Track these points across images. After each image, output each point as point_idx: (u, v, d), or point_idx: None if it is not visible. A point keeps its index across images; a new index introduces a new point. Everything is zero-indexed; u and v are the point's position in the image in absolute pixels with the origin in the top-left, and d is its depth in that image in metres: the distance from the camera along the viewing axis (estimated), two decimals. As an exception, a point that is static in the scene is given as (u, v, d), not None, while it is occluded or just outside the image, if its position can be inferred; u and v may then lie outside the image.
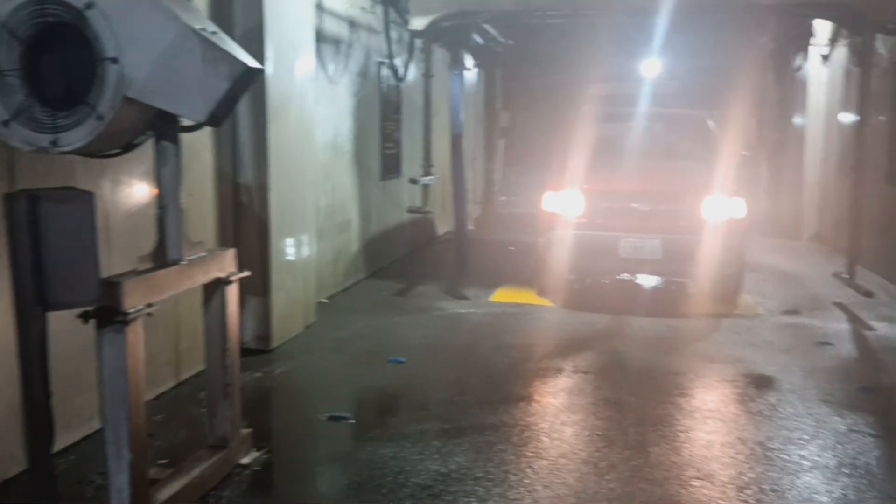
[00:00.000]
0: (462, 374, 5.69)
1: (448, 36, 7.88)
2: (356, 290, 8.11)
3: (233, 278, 3.84)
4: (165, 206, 3.41)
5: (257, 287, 5.93)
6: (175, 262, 3.43)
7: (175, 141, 3.39)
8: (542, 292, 8.00)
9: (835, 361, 6.08)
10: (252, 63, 3.15)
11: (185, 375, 5.27)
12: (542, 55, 15.24)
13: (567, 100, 12.86)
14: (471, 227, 13.68)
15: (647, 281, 8.39)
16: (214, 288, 3.83)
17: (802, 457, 4.27)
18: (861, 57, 8.84)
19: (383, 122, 9.46)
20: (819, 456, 4.29)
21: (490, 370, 5.80)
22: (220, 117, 3.21)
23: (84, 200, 2.86)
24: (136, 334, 3.13)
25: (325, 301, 7.45)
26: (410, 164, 10.39)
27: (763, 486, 3.92)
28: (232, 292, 3.87)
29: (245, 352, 5.76)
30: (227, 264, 3.84)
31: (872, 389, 5.44)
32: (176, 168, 3.42)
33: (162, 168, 3.39)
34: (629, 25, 12.29)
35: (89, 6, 2.96)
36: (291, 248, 6.28)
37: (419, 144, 10.64)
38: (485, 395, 5.22)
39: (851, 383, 5.53)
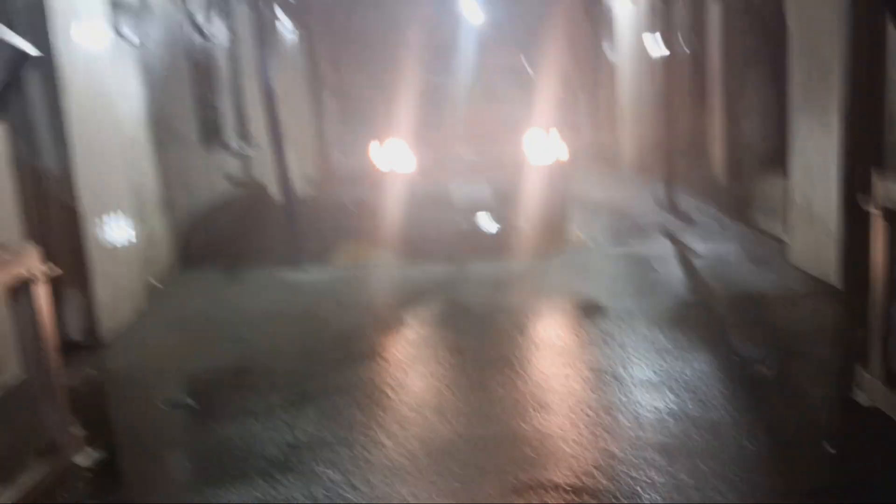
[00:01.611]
0: (305, 341, 5.65)
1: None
2: (189, 270, 7.81)
3: (39, 276, 3.60)
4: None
5: (76, 279, 5.60)
6: (-33, 267, 3.17)
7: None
8: (380, 248, 8.01)
9: (658, 283, 6.49)
10: (29, 49, 2.91)
11: (4, 378, 4.92)
12: (360, 7, 15.09)
13: (389, 51, 12.78)
14: (307, 188, 13.54)
15: (483, 226, 8.57)
16: (18, 289, 3.58)
17: (631, 377, 4.55)
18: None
19: (197, 88, 9.06)
20: (644, 374, 4.57)
21: (333, 333, 5.78)
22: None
23: None
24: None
25: (157, 284, 7.14)
26: (237, 133, 10.06)
27: (593, 406, 4.15)
28: (40, 291, 3.63)
29: (74, 347, 5.52)
30: (31, 262, 3.59)
31: (692, 305, 5.86)
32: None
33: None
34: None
35: None
36: (109, 234, 5.96)
37: (244, 112, 10.29)
38: (329, 359, 5.21)
39: (674, 302, 5.92)
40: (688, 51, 9.19)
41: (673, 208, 8.80)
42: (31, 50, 2.94)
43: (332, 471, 3.64)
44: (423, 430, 4.04)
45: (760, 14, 6.46)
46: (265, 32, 7.90)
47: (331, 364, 5.11)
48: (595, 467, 3.52)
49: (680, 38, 8.99)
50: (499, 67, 9.72)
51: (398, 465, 3.66)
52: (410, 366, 5.04)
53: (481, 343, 5.34)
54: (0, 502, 3.29)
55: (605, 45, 13.85)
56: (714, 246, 7.46)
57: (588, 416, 4.06)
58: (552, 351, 5.17)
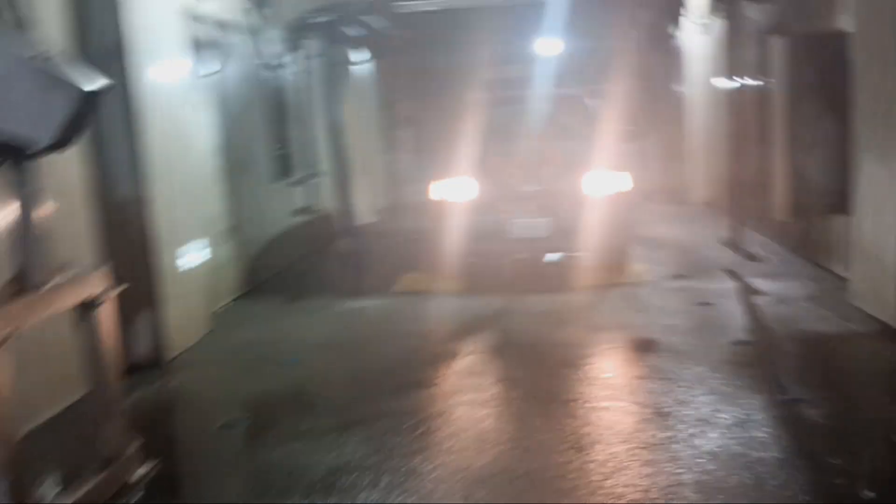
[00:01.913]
0: (356, 368, 5.80)
1: (321, 30, 7.93)
2: (252, 296, 8.09)
3: (104, 298, 3.84)
4: (25, 231, 3.39)
5: (146, 302, 5.92)
6: (37, 288, 3.42)
7: (29, 165, 3.37)
8: (440, 279, 8.15)
9: (715, 320, 6.43)
10: (92, 86, 3.16)
11: (79, 395, 5.20)
12: (435, 42, 15.41)
13: (459, 85, 13.02)
14: (376, 218, 13.85)
15: (544, 258, 8.62)
16: (87, 309, 3.82)
17: (678, 414, 4.53)
18: (731, 25, 9.19)
19: (270, 123, 9.44)
20: (691, 412, 4.55)
21: (384, 361, 5.92)
22: (67, 140, 3.23)
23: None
24: (1, 364, 3.12)
25: (221, 309, 7.43)
26: (304, 164, 10.40)
27: (636, 443, 4.15)
28: (105, 311, 3.87)
29: (139, 367, 5.81)
30: (97, 284, 3.83)
31: (748, 343, 5.79)
32: (33, 191, 3.40)
33: (19, 193, 3.37)
34: (514, 8, 12.59)
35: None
36: (179, 259, 6.26)
37: (312, 143, 10.62)
38: (378, 386, 5.35)
39: (729, 340, 5.86)
40: (753, 85, 9.12)
41: (736, 245, 8.67)
42: (94, 85, 3.18)
43: (370, 495, 3.75)
44: (462, 460, 4.11)
45: (825, 48, 6.40)
46: (333, 66, 8.20)
47: (380, 391, 5.24)
48: None
49: (746, 73, 8.92)
50: (566, 101, 9.82)
51: (434, 494, 3.74)
52: (458, 396, 5.12)
53: (531, 376, 5.38)
54: (59, 509, 3.49)
55: (677, 80, 13.79)
56: (775, 283, 7.34)
57: (629, 452, 4.07)
58: (601, 386, 5.18)
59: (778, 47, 6.60)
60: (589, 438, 4.28)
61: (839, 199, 6.41)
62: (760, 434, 4.18)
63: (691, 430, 4.27)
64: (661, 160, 15.38)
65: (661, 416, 4.53)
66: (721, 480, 3.70)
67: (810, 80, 6.40)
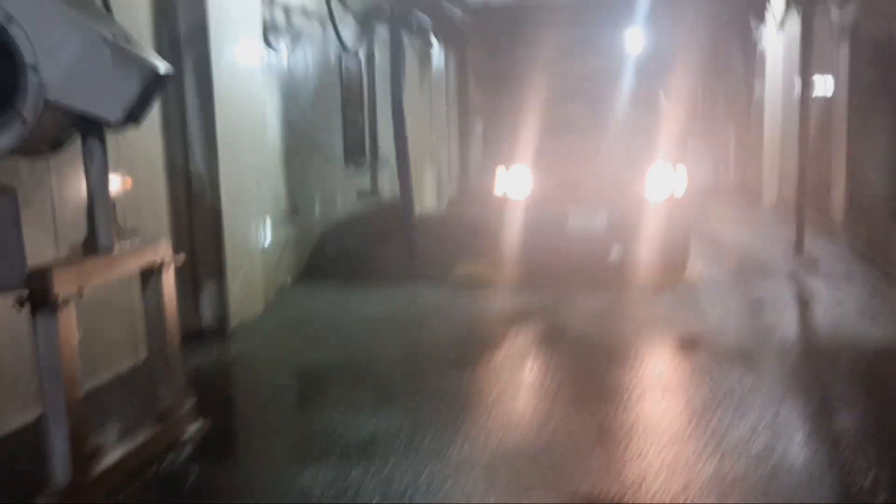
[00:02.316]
0: (406, 346, 6.05)
1: (392, 19, 8.16)
2: (315, 274, 8.40)
3: (167, 263, 4.15)
4: (94, 199, 3.70)
5: (213, 272, 6.27)
6: (106, 250, 3.73)
7: (100, 138, 3.67)
8: (497, 267, 8.31)
9: (768, 326, 6.39)
10: (163, 69, 3.44)
11: (143, 356, 5.58)
12: (508, 35, 15.52)
13: (531, 77, 13.09)
14: (443, 205, 14.09)
15: (604, 255, 8.69)
16: (150, 273, 4.14)
17: (720, 419, 4.59)
18: (805, 25, 9.04)
19: (345, 107, 9.74)
20: (733, 417, 4.60)
21: (434, 342, 6.15)
22: (137, 116, 3.53)
23: (6, 196, 3.16)
24: (67, 317, 3.44)
25: (288, 283, 7.77)
26: (381, 148, 10.66)
27: (668, 439, 4.25)
28: (168, 276, 4.18)
29: (203, 333, 6.19)
30: (161, 250, 4.14)
31: (794, 344, 5.79)
32: (103, 163, 3.71)
33: (89, 164, 3.68)
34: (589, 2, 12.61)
35: (10, 20, 3.25)
36: (246, 234, 6.59)
37: (380, 130, 10.86)
38: (425, 364, 5.59)
39: (780, 346, 5.84)
40: (821, 90, 8.96)
41: (800, 249, 8.56)
42: (165, 69, 3.46)
43: (400, 462, 3.96)
44: (492, 439, 4.26)
45: (889, 53, 6.30)
46: (400, 55, 8.41)
47: (426, 369, 5.48)
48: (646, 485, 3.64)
49: (817, 73, 8.77)
50: (637, 95, 9.79)
51: (458, 471, 3.91)
52: (500, 378, 5.29)
53: (574, 365, 5.51)
54: (114, 459, 3.81)
55: (756, 83, 13.56)
56: (834, 287, 7.26)
57: (655, 444, 4.17)
58: (640, 380, 5.26)
59: (842, 50, 6.52)
60: (621, 430, 4.39)
61: (900, 206, 6.32)
62: (788, 434, 4.22)
63: (735, 435, 4.32)
64: (735, 158, 15.19)
65: (695, 412, 4.60)
66: (740, 477, 3.76)
67: (873, 82, 6.30)
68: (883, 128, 6.32)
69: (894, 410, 4.66)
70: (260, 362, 5.78)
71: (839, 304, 6.74)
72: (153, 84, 3.40)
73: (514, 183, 8.23)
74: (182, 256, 4.30)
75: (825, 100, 8.47)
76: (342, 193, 9.55)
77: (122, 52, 3.34)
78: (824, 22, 9.16)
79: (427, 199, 13.78)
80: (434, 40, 13.34)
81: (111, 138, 3.76)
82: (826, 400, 4.79)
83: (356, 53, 9.36)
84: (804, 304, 6.95)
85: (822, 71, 9.08)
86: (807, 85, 8.28)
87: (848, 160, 6.45)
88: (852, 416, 4.51)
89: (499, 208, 8.32)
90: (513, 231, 8.14)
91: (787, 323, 6.44)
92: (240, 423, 4.75)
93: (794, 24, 11.01)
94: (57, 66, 3.26)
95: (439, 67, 14.21)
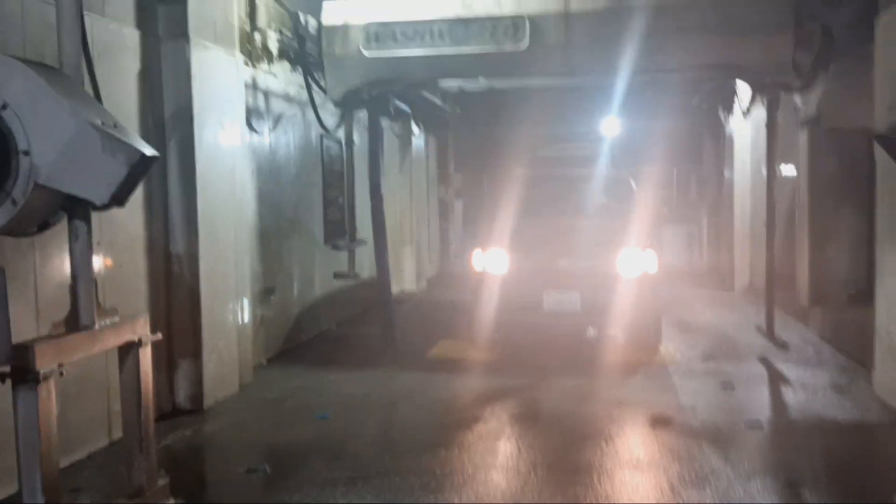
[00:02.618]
0: (382, 426, 6.09)
1: (368, 105, 8.47)
2: (292, 354, 8.47)
3: (145, 341, 4.23)
4: (77, 277, 3.81)
5: (189, 350, 6.33)
6: (87, 327, 3.82)
7: (86, 219, 3.81)
8: (474, 347, 8.42)
9: (734, 402, 6.54)
10: (148, 151, 3.61)
11: (117, 435, 5.58)
12: (487, 120, 15.98)
13: (508, 161, 13.45)
14: (424, 286, 14.23)
15: (577, 333, 8.82)
16: (128, 350, 4.21)
17: (675, 488, 4.68)
18: (770, 116, 9.43)
19: (326, 189, 9.96)
20: (695, 494, 4.69)
21: (410, 422, 6.19)
22: (123, 198, 3.67)
23: (-6, 275, 3.26)
24: (47, 392, 3.50)
25: (264, 362, 7.81)
26: (360, 228, 10.84)
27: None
28: (145, 354, 4.25)
29: (178, 412, 6.22)
30: (139, 328, 4.22)
31: (760, 425, 5.90)
32: (87, 243, 3.83)
33: (74, 243, 3.80)
34: (565, 90, 13.07)
35: (4, 107, 3.42)
36: (223, 314, 6.67)
37: (358, 211, 11.04)
38: (400, 444, 5.62)
39: (746, 424, 5.96)
40: (787, 175, 9.29)
41: (770, 332, 8.74)
42: (150, 151, 3.63)
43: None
44: (465, 516, 4.32)
45: (849, 143, 6.62)
46: (377, 139, 8.68)
47: (401, 449, 5.51)
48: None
49: (781, 163, 9.13)
50: (610, 181, 10.12)
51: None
52: (474, 458, 5.32)
53: (548, 445, 5.57)
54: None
55: (725, 166, 13.99)
56: (801, 370, 7.41)
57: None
58: (612, 459, 5.32)
59: (802, 139, 6.84)
60: (590, 506, 4.45)
61: (861, 290, 6.53)
62: (756, 513, 4.31)
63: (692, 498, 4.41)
64: (708, 245, 15.53)
65: (664, 490, 4.68)
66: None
67: (833, 173, 6.60)
68: (843, 215, 6.60)
69: (855, 486, 4.76)
70: (234, 441, 5.79)
71: (805, 387, 6.88)
72: (138, 167, 3.56)
73: (492, 263, 8.41)
74: (158, 335, 4.38)
75: (790, 187, 8.79)
76: (321, 274, 9.67)
77: (110, 138, 3.50)
78: (790, 111, 9.57)
79: (407, 280, 13.93)
80: (414, 124, 13.73)
81: (94, 218, 3.89)
82: (792, 477, 4.87)
83: (337, 136, 9.63)
84: (773, 386, 7.07)
85: (787, 160, 9.45)
86: (772, 174, 8.62)
87: (811, 246, 6.71)
88: (816, 493, 4.62)
89: (477, 287, 8.46)
90: (490, 311, 8.27)
91: (755, 403, 6.56)
92: (213, 501, 4.74)
93: (762, 112, 11.48)
94: (48, 151, 3.42)
95: (420, 150, 14.55)
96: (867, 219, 6.51)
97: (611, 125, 16.11)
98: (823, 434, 5.73)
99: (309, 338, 9.18)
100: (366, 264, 11.06)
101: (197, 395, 6.37)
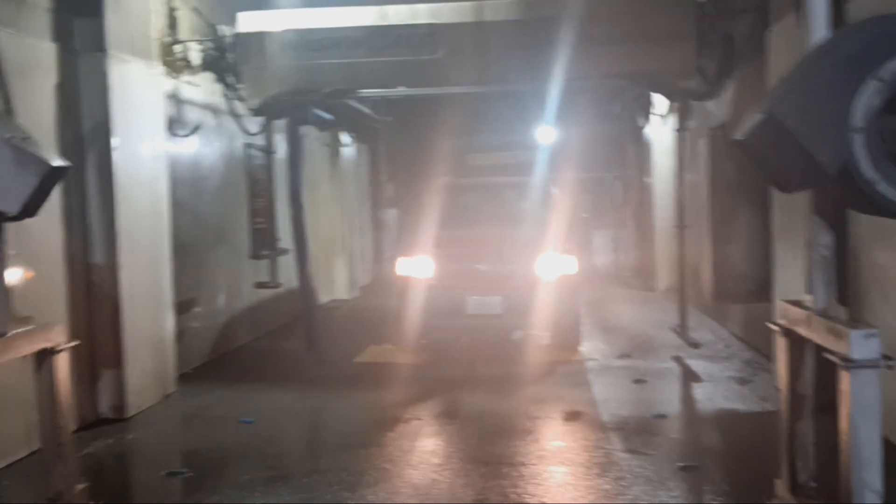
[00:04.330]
0: (306, 429, 6.26)
1: (287, 113, 8.57)
2: (222, 362, 8.55)
3: (59, 348, 4.31)
4: (-10, 287, 3.89)
5: (111, 360, 6.38)
6: (0, 335, 3.90)
7: (-3, 231, 3.90)
8: (401, 351, 8.62)
9: (644, 396, 6.88)
10: (57, 162, 3.72)
11: (37, 445, 5.60)
12: (415, 128, 16.24)
13: (435, 168, 13.70)
14: (356, 294, 14.37)
15: (500, 334, 9.09)
16: (43, 358, 4.29)
17: (586, 470, 4.96)
18: (680, 122, 9.85)
19: (252, 198, 10.03)
20: (594, 478, 4.97)
21: (335, 424, 6.37)
22: (34, 208, 3.77)
23: None
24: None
25: (190, 371, 7.87)
26: (284, 238, 10.91)
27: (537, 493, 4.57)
28: (60, 361, 4.33)
29: (101, 421, 6.27)
30: (54, 336, 4.30)
31: (665, 416, 6.23)
32: (0, 253, 3.92)
33: (-14, 254, 3.89)
34: (489, 98, 13.41)
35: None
36: (145, 324, 6.73)
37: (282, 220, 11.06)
38: (323, 445, 5.81)
39: (652, 414, 6.30)
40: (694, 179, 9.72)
41: (683, 328, 9.14)
42: (60, 162, 3.75)
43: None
44: (379, 509, 4.50)
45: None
46: (296, 147, 8.78)
47: (323, 449, 5.70)
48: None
49: (689, 168, 9.56)
50: (531, 187, 10.45)
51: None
52: (396, 455, 5.50)
53: (469, 440, 5.79)
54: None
55: (645, 171, 14.49)
56: (710, 365, 7.81)
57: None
58: (528, 449, 5.56)
59: (701, 145, 7.23)
60: (498, 496, 4.68)
61: (760, 287, 6.93)
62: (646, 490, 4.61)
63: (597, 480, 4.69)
64: (633, 247, 16.01)
65: (569, 477, 4.95)
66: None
67: (731, 176, 7.00)
68: (742, 214, 7.02)
69: (741, 468, 5.10)
70: (156, 448, 5.88)
71: (711, 379, 7.27)
72: (49, 178, 3.67)
73: (417, 269, 8.62)
74: (74, 342, 4.46)
75: (695, 191, 9.23)
76: (248, 284, 9.72)
77: (20, 151, 3.60)
78: (703, 118, 10.01)
79: (339, 289, 14.04)
80: (344, 134, 13.88)
81: (11, 228, 3.97)
82: (686, 462, 5.19)
83: (260, 147, 9.71)
84: (682, 380, 7.45)
85: (691, 165, 9.88)
86: (681, 178, 9.04)
87: (712, 245, 7.10)
88: (719, 472, 4.99)
89: (404, 293, 8.65)
90: (416, 316, 8.47)
91: (663, 396, 6.91)
92: (131, 505, 4.85)
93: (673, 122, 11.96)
94: (-43, 164, 3.51)
95: (351, 160, 14.70)
96: (764, 218, 6.92)
97: (537, 134, 16.52)
98: (720, 422, 6.09)
99: (235, 347, 9.26)
100: (292, 274, 11.15)
101: (119, 404, 6.42)
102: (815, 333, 3.60)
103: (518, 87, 9.11)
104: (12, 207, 3.68)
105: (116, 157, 6.34)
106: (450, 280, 8.50)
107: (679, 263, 9.08)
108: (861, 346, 3.23)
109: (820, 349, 3.59)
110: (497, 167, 16.74)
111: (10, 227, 4.01)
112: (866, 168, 3.09)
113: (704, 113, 9.95)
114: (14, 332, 3.99)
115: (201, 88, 8.51)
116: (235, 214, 9.55)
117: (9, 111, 4.38)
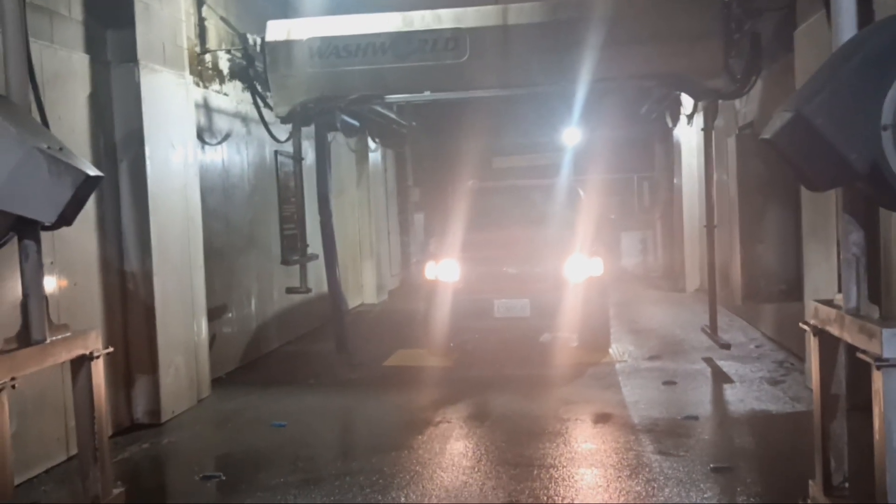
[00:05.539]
0: (338, 432, 6.31)
1: (315, 120, 8.65)
2: (255, 366, 8.66)
3: (95, 355, 4.40)
4: (28, 294, 3.98)
5: (146, 366, 6.48)
6: (39, 342, 3.99)
7: (35, 239, 3.98)
8: (430, 354, 8.65)
9: (674, 397, 6.84)
10: (92, 172, 3.80)
11: (74, 451, 5.71)
12: (443, 132, 16.29)
13: (463, 172, 13.75)
14: (384, 298, 14.44)
15: (528, 337, 9.09)
16: (80, 364, 4.38)
17: (618, 474, 4.95)
18: (706, 122, 9.78)
19: (282, 205, 10.14)
20: (627, 484, 4.96)
21: (366, 426, 6.43)
22: (70, 217, 3.86)
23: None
24: (0, 405, 3.67)
25: (223, 376, 7.97)
26: (313, 243, 11.00)
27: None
28: (97, 367, 4.42)
29: (137, 426, 6.38)
30: (90, 342, 4.39)
31: (696, 418, 6.20)
32: (37, 261, 4.00)
33: (24, 262, 3.97)
34: (517, 101, 13.42)
35: (-48, 135, 3.60)
36: (179, 330, 6.83)
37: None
38: (354, 447, 5.86)
39: (683, 416, 6.26)
40: (723, 179, 9.67)
41: (713, 330, 9.08)
42: (94, 172, 3.83)
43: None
44: (411, 512, 4.53)
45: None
46: (324, 153, 8.87)
47: (355, 452, 5.74)
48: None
49: (719, 168, 9.51)
50: (560, 190, 10.47)
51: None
52: (427, 458, 5.53)
53: (499, 442, 5.79)
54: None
55: (674, 172, 14.41)
56: (741, 366, 7.75)
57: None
58: (559, 452, 5.56)
59: (729, 144, 7.18)
60: (529, 497, 4.69)
61: (791, 286, 6.87)
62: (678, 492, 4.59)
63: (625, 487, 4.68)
64: (661, 249, 15.94)
65: (600, 480, 4.94)
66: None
67: (759, 175, 6.95)
68: (771, 213, 6.98)
69: (775, 470, 5.06)
70: (190, 452, 5.95)
71: (743, 381, 7.21)
72: (84, 188, 3.75)
73: (445, 272, 8.65)
74: (110, 348, 4.54)
75: (725, 190, 9.18)
76: (279, 289, 9.82)
77: (56, 161, 3.69)
78: (732, 118, 9.96)
79: (368, 293, 14.14)
80: (371, 139, 13.95)
81: (47, 237, 4.07)
82: (717, 465, 5.15)
83: (290, 153, 9.80)
84: (713, 382, 7.40)
85: (720, 165, 9.83)
86: (709, 178, 8.98)
87: (742, 244, 7.06)
88: (752, 474, 4.96)
89: (432, 297, 8.68)
90: (444, 320, 8.50)
91: (694, 398, 6.87)
92: (167, 508, 4.92)
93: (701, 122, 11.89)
94: (-3, 175, 3.60)
95: (378, 165, 14.77)
96: (794, 216, 6.87)
97: (564, 136, 16.52)
98: (753, 424, 6.04)
99: (267, 352, 9.36)
100: (323, 278, 11.23)
101: (155, 409, 6.52)
102: (847, 333, 3.57)
103: (544, 89, 9.10)
104: (48, 217, 3.77)
105: (149, 165, 6.45)
106: (477, 283, 8.53)
107: (708, 264, 9.02)
108: (894, 344, 3.20)
109: (852, 348, 3.56)
110: (523, 169, 16.80)
111: (46, 235, 4.12)
112: (896, 165, 3.07)
113: (732, 112, 9.90)
114: (52, 339, 4.09)
115: (230, 97, 8.63)
116: (266, 220, 9.66)
117: (43, 122, 4.47)
